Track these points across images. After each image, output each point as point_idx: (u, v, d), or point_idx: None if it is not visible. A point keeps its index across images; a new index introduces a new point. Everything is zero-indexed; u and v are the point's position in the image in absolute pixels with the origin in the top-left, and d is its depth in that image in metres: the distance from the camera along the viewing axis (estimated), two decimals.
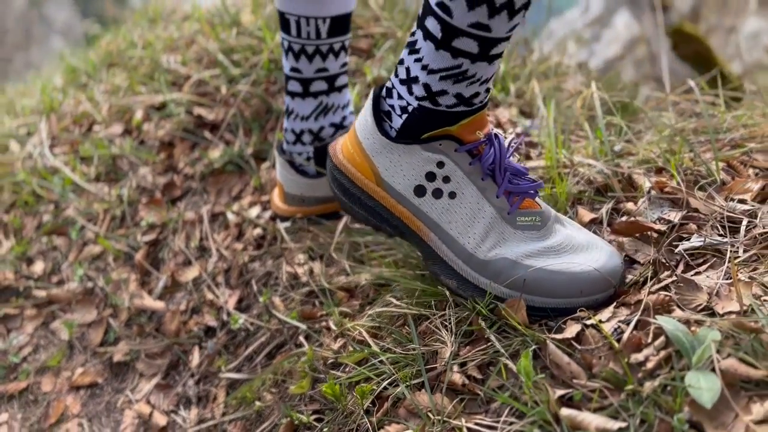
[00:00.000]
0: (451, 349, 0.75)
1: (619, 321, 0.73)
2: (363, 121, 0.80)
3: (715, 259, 0.78)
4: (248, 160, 1.30)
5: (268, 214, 1.19)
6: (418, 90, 0.73)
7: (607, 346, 0.71)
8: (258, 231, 1.17)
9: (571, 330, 0.74)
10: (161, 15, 1.96)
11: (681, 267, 0.79)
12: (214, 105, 1.40)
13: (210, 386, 1.09)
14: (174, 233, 1.27)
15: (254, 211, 1.21)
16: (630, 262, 0.82)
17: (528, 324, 0.75)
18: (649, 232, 0.84)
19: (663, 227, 0.83)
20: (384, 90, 0.79)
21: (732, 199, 0.86)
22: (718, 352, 0.65)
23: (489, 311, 0.77)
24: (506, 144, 0.78)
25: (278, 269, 1.09)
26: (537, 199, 0.80)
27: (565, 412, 0.66)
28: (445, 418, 0.73)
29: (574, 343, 0.72)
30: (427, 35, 0.69)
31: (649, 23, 4.51)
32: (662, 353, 0.68)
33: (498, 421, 0.70)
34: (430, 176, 0.77)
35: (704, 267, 0.78)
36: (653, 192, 0.88)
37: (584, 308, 0.75)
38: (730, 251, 0.77)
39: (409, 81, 0.73)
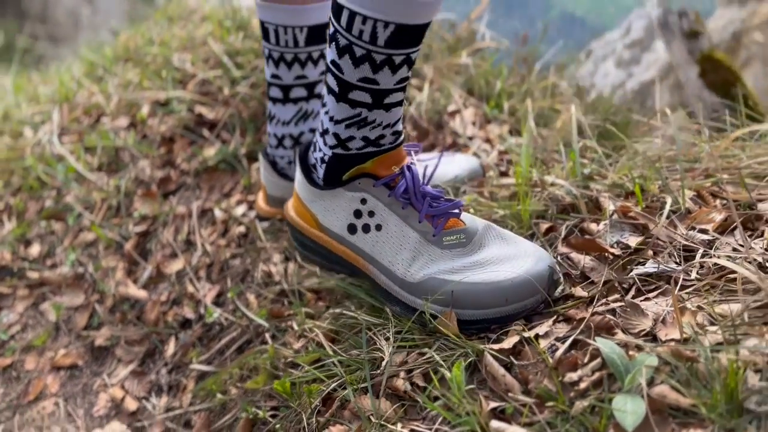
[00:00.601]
0: (387, 358, 0.77)
1: (557, 338, 0.74)
2: (298, 177, 0.88)
3: (667, 286, 0.79)
4: (241, 160, 1.33)
5: (253, 214, 1.22)
6: (330, 140, 0.81)
7: (544, 362, 0.73)
8: (241, 229, 1.21)
9: (509, 341, 0.75)
10: (181, 15, 2.01)
11: (632, 291, 0.80)
12: (215, 104, 1.44)
13: (181, 376, 1.12)
14: (164, 226, 1.31)
15: (240, 210, 1.24)
16: (584, 279, 0.83)
17: (465, 336, 0.77)
18: (607, 254, 0.85)
19: (618, 250, 0.84)
20: (311, 146, 0.88)
21: (693, 228, 0.86)
22: (652, 378, 0.66)
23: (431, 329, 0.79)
24: (420, 172, 0.84)
25: (255, 267, 1.12)
26: (462, 216, 0.83)
27: (494, 424, 0.67)
28: (383, 422, 0.75)
29: (512, 358, 0.73)
30: (329, 90, 0.78)
31: (679, 49, 4.46)
32: (596, 375, 0.69)
33: (431, 428, 0.72)
34: (357, 213, 0.83)
35: (655, 293, 0.78)
36: (616, 216, 0.89)
37: (516, 316, 0.78)
38: (682, 279, 0.78)
39: (323, 133, 0.82)
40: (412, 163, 0.84)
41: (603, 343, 0.70)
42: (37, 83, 2.20)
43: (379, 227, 0.83)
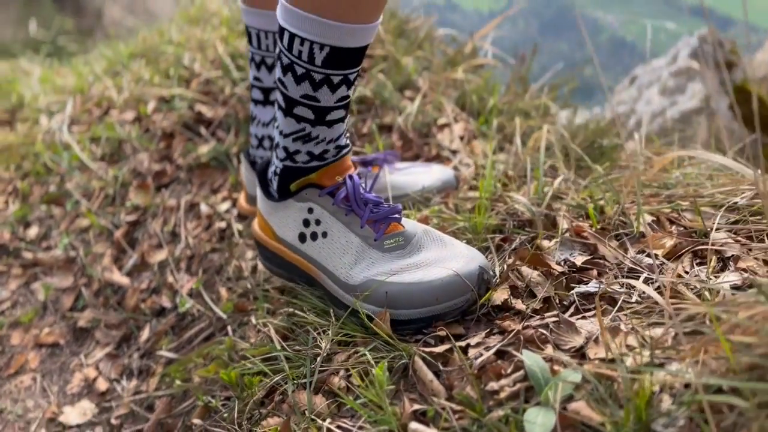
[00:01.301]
0: (322, 356, 0.80)
1: (486, 348, 0.76)
2: (258, 193, 0.93)
3: (606, 306, 0.80)
4: (231, 158, 1.38)
5: (235, 211, 1.26)
6: (280, 153, 0.85)
7: (478, 367, 0.74)
8: (222, 224, 1.25)
9: (441, 347, 0.77)
10: (202, 17, 2.08)
11: (571, 309, 0.81)
12: (215, 104, 1.49)
13: (151, 362, 1.16)
14: (153, 217, 1.36)
15: (224, 206, 1.28)
16: (529, 294, 0.85)
17: (400, 337, 0.79)
18: (553, 270, 0.86)
19: (564, 268, 0.85)
20: (268, 163, 0.92)
21: (643, 252, 0.87)
22: (572, 394, 0.67)
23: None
24: (361, 181, 0.87)
25: (229, 262, 1.16)
26: (403, 221, 0.86)
27: (413, 426, 0.69)
28: (313, 417, 0.77)
29: (440, 364, 0.75)
30: (278, 105, 0.82)
31: (712, 79, 4.39)
32: (518, 386, 0.70)
33: (355, 426, 0.74)
34: (306, 222, 0.87)
35: (592, 312, 0.80)
36: (568, 234, 0.90)
37: (447, 315, 0.80)
38: (623, 301, 0.79)
39: (276, 146, 0.86)
40: (352, 174, 0.88)
41: (527, 356, 0.72)
42: (63, 74, 2.30)
43: (325, 234, 0.86)
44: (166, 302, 1.21)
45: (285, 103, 0.81)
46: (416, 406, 0.72)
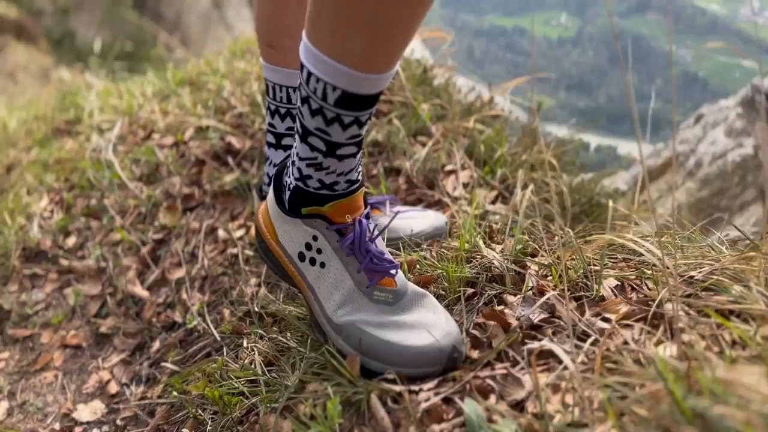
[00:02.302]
0: (290, 385, 0.89)
1: (436, 392, 0.84)
2: (270, 192, 0.96)
3: (555, 364, 0.87)
4: (252, 188, 1.50)
5: (247, 238, 1.37)
6: (295, 172, 0.89)
7: (418, 411, 0.82)
8: (235, 250, 1.36)
9: (398, 387, 0.85)
10: (249, 49, 2.23)
11: (521, 363, 0.88)
12: (244, 136, 1.62)
13: (158, 371, 1.27)
14: (177, 237, 1.48)
15: (239, 233, 1.39)
16: (488, 344, 0.92)
17: (360, 376, 0.87)
18: (510, 326, 0.93)
19: (523, 324, 0.92)
20: (285, 168, 0.95)
21: (598, 315, 0.93)
22: None
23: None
24: (370, 229, 0.92)
25: (235, 286, 1.27)
26: (397, 277, 0.91)
27: None
28: None
29: (392, 403, 0.84)
30: (296, 130, 0.87)
31: (762, 129, 4.31)
32: (456, 430, 0.78)
33: None
34: (308, 246, 0.92)
35: (540, 369, 0.86)
36: (530, 292, 0.98)
37: (414, 378, 0.86)
38: (570, 361, 0.86)
39: (293, 164, 0.90)
40: (366, 216, 0.93)
41: (468, 404, 0.79)
42: (119, 92, 2.48)
43: (323, 265, 0.92)
44: (177, 317, 1.33)
45: (301, 131, 0.84)
46: None
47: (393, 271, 0.91)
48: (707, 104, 4.64)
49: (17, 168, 2.29)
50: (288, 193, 0.93)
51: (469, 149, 1.53)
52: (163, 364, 1.24)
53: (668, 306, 0.92)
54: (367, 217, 0.94)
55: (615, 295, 0.98)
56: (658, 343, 0.86)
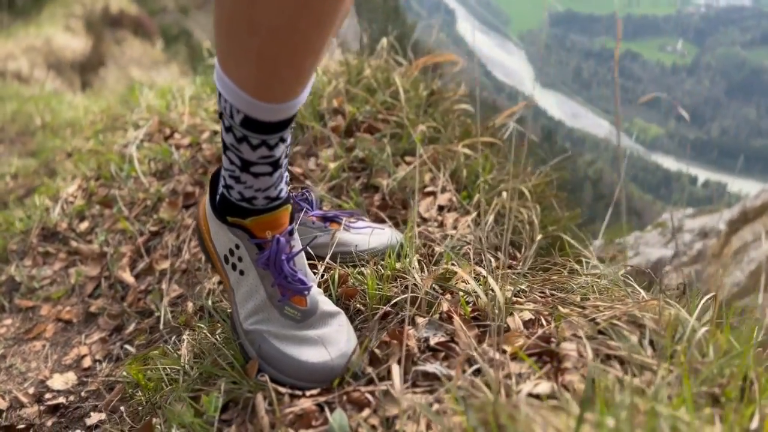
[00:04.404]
0: (193, 377, 0.96)
1: (315, 400, 0.88)
2: (208, 192, 1.00)
3: (439, 387, 0.90)
4: None
5: None
6: (222, 180, 0.94)
7: (294, 413, 0.87)
8: None
9: (285, 389, 0.91)
10: None
11: (409, 382, 0.91)
12: None
13: (126, 352, 1.38)
14: (170, 231, 1.60)
15: None
16: (384, 362, 0.96)
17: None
18: (409, 346, 0.96)
19: (421, 345, 0.96)
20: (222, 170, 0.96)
21: (494, 344, 0.95)
22: None
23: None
24: (286, 249, 0.95)
25: (203, 281, 1.36)
26: (308, 297, 0.96)
27: None
28: (174, 422, 0.94)
29: (273, 404, 0.89)
30: (222, 143, 0.89)
31: None
32: None
33: None
34: (231, 252, 0.97)
35: (422, 390, 0.90)
36: (436, 316, 1.01)
37: (306, 390, 0.90)
38: (446, 385, 0.88)
39: (224, 170, 0.93)
40: (290, 233, 0.96)
41: (336, 415, 0.84)
42: (168, 92, 2.66)
43: (242, 273, 0.98)
44: (152, 305, 1.43)
45: (222, 144, 0.87)
46: None
47: (304, 293, 0.95)
48: None
49: (75, 155, 2.51)
50: (218, 197, 0.98)
51: (455, 173, 1.56)
52: (125, 346, 1.34)
53: (564, 345, 0.93)
54: (291, 233, 0.97)
55: (522, 328, 0.99)
56: (541, 377, 0.87)
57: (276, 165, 0.89)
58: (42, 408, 1.29)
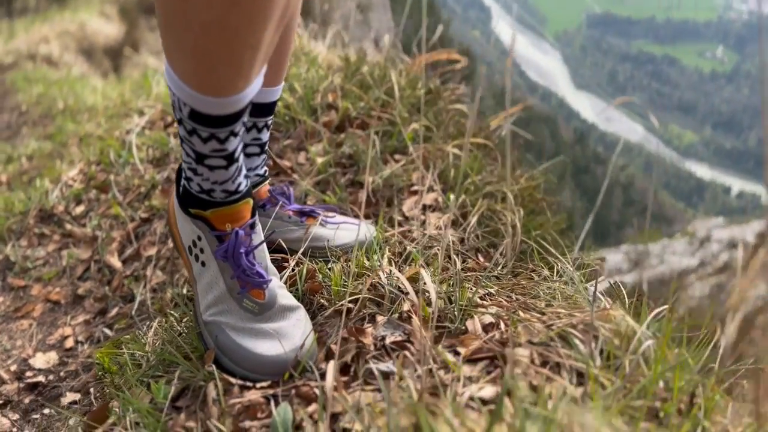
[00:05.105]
0: (151, 363, 0.98)
1: (265, 392, 0.89)
2: (176, 182, 1.02)
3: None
4: None
5: None
6: (183, 173, 0.95)
7: (242, 404, 0.88)
8: None
9: (236, 380, 0.92)
10: (296, 55, 2.34)
11: (360, 379, 0.92)
12: None
13: (106, 336, 1.41)
14: (161, 219, 1.62)
15: None
16: (340, 358, 0.96)
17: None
18: (365, 344, 0.97)
19: (375, 342, 0.96)
20: None
21: (451, 347, 0.95)
22: None
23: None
24: (246, 243, 0.96)
25: (182, 270, 1.38)
26: (267, 290, 0.96)
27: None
28: (116, 407, 0.96)
29: (222, 394, 0.90)
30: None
31: None
32: (263, 429, 0.84)
33: (142, 422, 0.91)
34: (194, 243, 0.98)
35: (371, 387, 0.90)
36: (395, 316, 1.01)
37: (259, 380, 0.91)
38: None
39: (184, 162, 0.94)
40: (251, 226, 0.97)
41: (280, 408, 0.85)
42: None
43: (203, 264, 0.99)
44: (135, 290, 1.46)
45: (180, 138, 0.88)
46: (190, 423, 0.88)
47: (263, 286, 0.96)
48: None
49: (83, 140, 2.55)
50: (181, 189, 0.99)
51: (443, 173, 1.55)
52: (104, 330, 1.37)
53: (519, 350, 0.93)
54: (252, 227, 0.98)
55: (481, 331, 0.99)
56: (488, 382, 0.87)
57: (230, 159, 0.90)
58: (21, 385, 1.32)
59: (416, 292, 1.07)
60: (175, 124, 0.85)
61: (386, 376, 0.91)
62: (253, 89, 0.81)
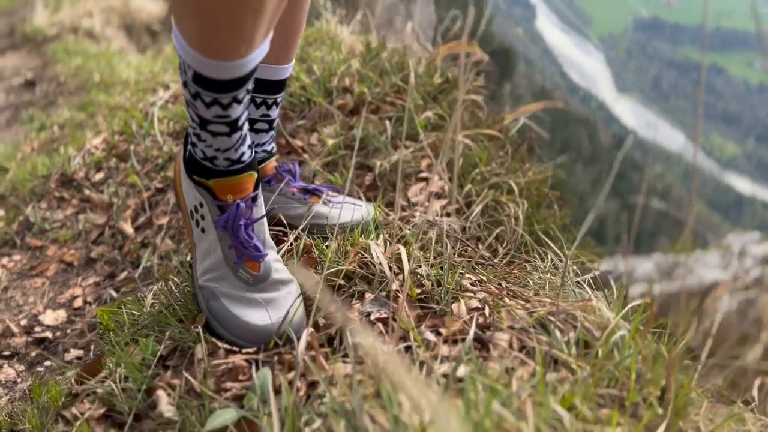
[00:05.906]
0: (144, 324, 1.02)
1: (248, 357, 0.92)
2: (185, 142, 1.04)
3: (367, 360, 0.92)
4: None
5: None
6: (188, 138, 0.98)
7: (228, 367, 0.92)
8: None
9: (221, 344, 0.95)
10: (317, 38, 2.36)
11: (339, 353, 0.94)
12: None
13: (112, 297, 1.45)
14: (174, 189, 1.66)
15: None
16: (325, 330, 0.99)
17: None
18: (350, 319, 0.99)
19: (360, 318, 0.98)
20: None
21: (434, 327, 0.97)
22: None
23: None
24: (246, 216, 0.98)
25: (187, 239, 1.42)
26: (263, 263, 0.99)
27: (158, 392, 0.89)
28: (109, 362, 1.00)
29: (207, 355, 0.93)
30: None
31: None
32: (243, 391, 0.87)
33: (130, 377, 0.95)
34: (196, 209, 1.01)
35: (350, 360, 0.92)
36: (383, 293, 1.03)
37: (246, 347, 0.94)
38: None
39: (189, 127, 0.96)
40: (241, 204, 0.98)
41: (261, 372, 0.88)
42: None
43: (203, 230, 1.02)
44: (143, 256, 1.50)
45: (186, 102, 0.89)
46: (175, 380, 0.92)
47: (258, 260, 0.99)
48: None
49: (113, 111, 2.62)
50: (187, 154, 1.01)
51: (452, 162, 1.56)
52: (111, 292, 1.42)
53: (497, 335, 0.94)
54: (254, 200, 1.00)
55: (465, 314, 1.01)
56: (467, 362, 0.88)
57: (233, 126, 0.91)
58: (29, 339, 1.38)
59: (406, 273, 1.09)
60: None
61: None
62: (256, 56, 0.83)
